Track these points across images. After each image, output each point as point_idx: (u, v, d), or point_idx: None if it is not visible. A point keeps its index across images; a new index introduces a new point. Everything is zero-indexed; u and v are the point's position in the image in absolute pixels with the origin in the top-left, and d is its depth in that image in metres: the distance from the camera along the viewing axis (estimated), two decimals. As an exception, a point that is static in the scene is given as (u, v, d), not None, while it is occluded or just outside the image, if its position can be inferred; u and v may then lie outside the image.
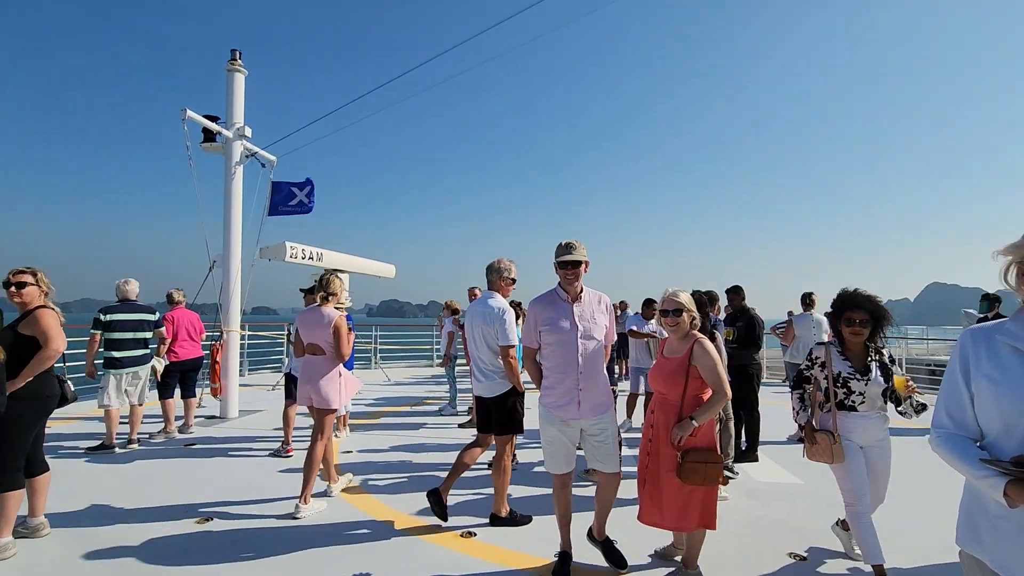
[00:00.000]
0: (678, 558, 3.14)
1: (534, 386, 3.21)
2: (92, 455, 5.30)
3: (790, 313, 12.84)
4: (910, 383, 2.91)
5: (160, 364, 5.95)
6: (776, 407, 7.71)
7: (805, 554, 3.30)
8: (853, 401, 2.97)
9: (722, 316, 5.93)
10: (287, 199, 7.84)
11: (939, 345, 16.77)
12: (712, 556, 3.12)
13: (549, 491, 4.10)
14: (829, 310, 3.21)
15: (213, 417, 7.12)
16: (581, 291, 3.03)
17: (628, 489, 3.35)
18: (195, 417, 6.66)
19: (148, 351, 5.81)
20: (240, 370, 11.12)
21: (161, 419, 6.19)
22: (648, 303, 7.01)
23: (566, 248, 2.98)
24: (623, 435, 6.24)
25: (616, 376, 9.65)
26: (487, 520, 3.74)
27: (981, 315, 7.59)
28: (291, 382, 5.50)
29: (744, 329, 5.56)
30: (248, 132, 7.39)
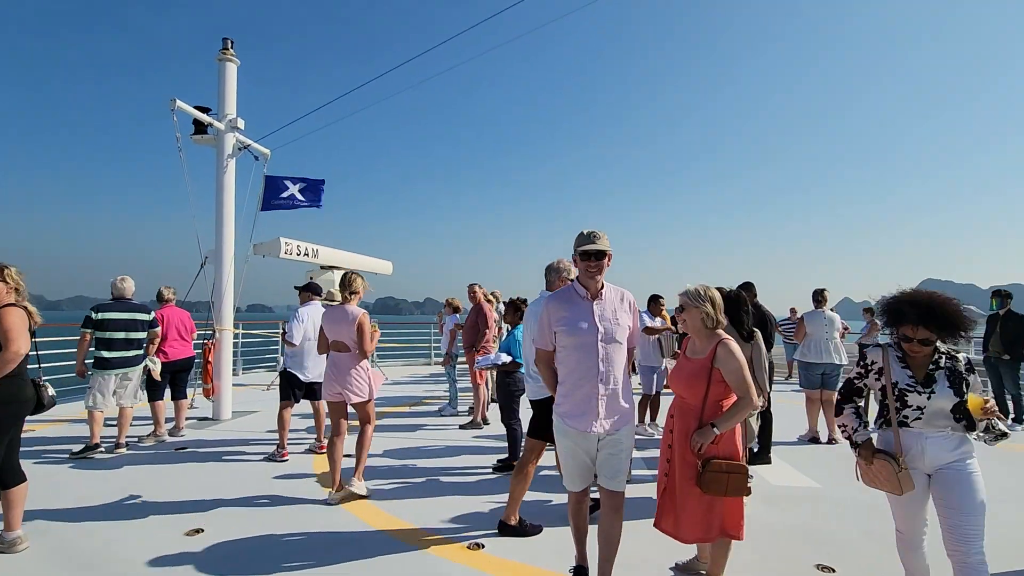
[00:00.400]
0: (703, 572, 2.94)
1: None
2: (77, 460, 5.06)
3: (792, 311, 12.70)
4: (989, 403, 2.35)
5: (155, 365, 5.67)
6: (783, 406, 7.54)
7: (834, 566, 3.10)
8: (906, 416, 2.42)
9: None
10: (280, 192, 7.61)
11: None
12: (734, 570, 2.93)
13: (561, 499, 3.91)
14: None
15: (206, 419, 6.88)
16: (602, 287, 2.70)
17: (642, 491, 3.15)
18: (187, 419, 6.43)
19: (141, 352, 5.56)
20: (234, 369, 10.88)
21: (151, 422, 5.96)
22: (655, 299, 6.83)
23: (588, 237, 2.65)
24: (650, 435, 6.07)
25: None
26: (495, 530, 3.54)
27: (992, 312, 7.46)
28: (286, 382, 5.28)
29: (756, 326, 5.38)
30: (241, 124, 7.15)
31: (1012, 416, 7.00)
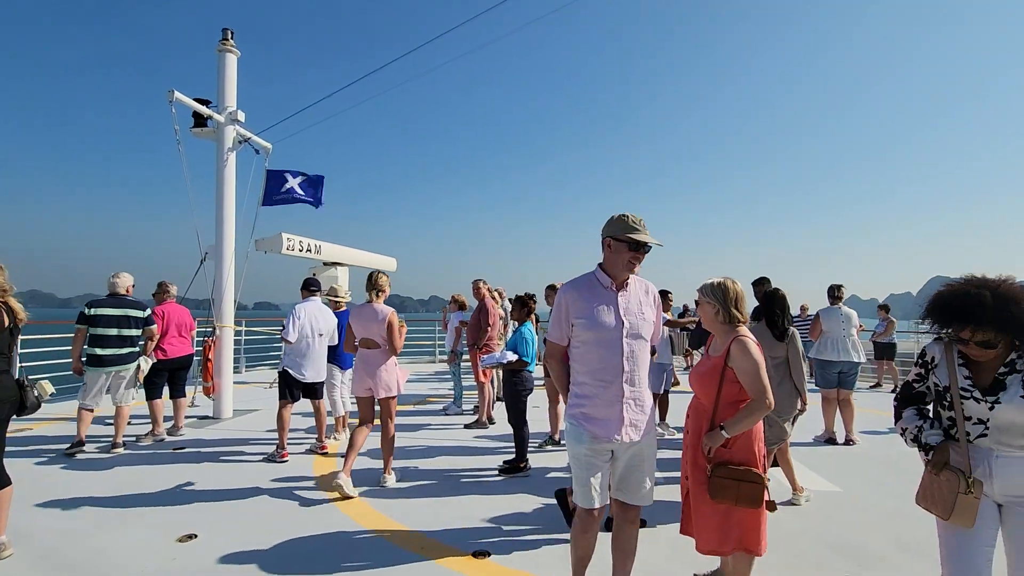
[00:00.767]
0: (725, 585, 2.76)
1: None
2: (70, 460, 4.93)
3: (803, 308, 12.49)
4: None
5: (146, 364, 5.53)
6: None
7: (866, 579, 2.91)
8: (967, 432, 1.93)
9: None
10: (282, 188, 7.46)
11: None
12: (760, 582, 2.74)
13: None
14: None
15: (206, 417, 6.75)
16: (627, 277, 2.42)
17: (656, 494, 2.91)
18: (187, 418, 6.30)
19: (135, 349, 5.41)
20: (237, 367, 10.76)
21: (149, 420, 5.82)
22: (663, 295, 6.65)
23: (638, 225, 2.31)
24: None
25: None
26: (502, 536, 3.37)
27: None
28: (286, 381, 5.13)
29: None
30: (241, 116, 6.99)
31: None
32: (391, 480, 4.36)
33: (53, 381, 3.54)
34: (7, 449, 3.15)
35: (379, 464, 4.57)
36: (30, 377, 3.18)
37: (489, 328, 6.52)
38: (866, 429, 6.39)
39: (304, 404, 5.45)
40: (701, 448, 2.46)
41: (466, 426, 6.51)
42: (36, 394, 3.09)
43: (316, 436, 5.43)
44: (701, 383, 2.55)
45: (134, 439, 5.59)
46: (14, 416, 3.08)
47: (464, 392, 7.69)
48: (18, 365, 6.37)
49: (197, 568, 2.98)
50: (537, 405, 5.83)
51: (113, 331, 5.21)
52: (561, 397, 2.52)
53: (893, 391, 9.92)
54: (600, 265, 2.45)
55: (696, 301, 2.64)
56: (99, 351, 5.16)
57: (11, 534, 3.15)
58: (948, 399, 1.99)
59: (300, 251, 8.62)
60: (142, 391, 5.73)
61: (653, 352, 2.72)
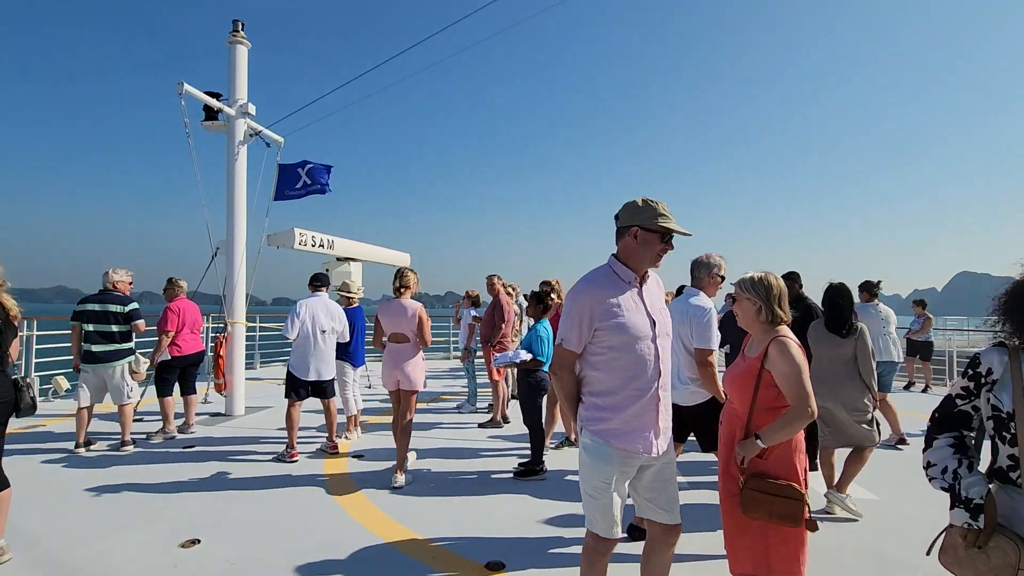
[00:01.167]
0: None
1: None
2: (76, 459, 4.86)
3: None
4: None
5: (140, 364, 5.33)
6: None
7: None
8: (1015, 472, 1.48)
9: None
10: (295, 182, 7.35)
11: (981, 336, 15.76)
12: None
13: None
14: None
15: (218, 414, 6.68)
16: (646, 271, 2.16)
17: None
18: (199, 415, 6.22)
19: (122, 346, 5.18)
20: (251, 363, 10.74)
21: (160, 418, 5.75)
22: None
23: (665, 212, 2.04)
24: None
25: None
26: (517, 544, 3.19)
27: None
28: (291, 380, 4.99)
29: (801, 320, 4.92)
30: (252, 109, 6.88)
31: None
32: (401, 479, 4.26)
33: (71, 378, 3.44)
34: (6, 447, 3.05)
35: (390, 464, 4.43)
36: (51, 373, 3.08)
37: (503, 325, 6.34)
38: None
39: (316, 402, 5.32)
40: (734, 456, 2.26)
41: (480, 425, 6.35)
42: (32, 395, 2.98)
43: (327, 435, 5.31)
44: (735, 387, 2.34)
45: (145, 436, 5.53)
46: (13, 416, 2.99)
47: (479, 389, 7.53)
48: (14, 364, 6.39)
49: (199, 574, 2.85)
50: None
51: (91, 327, 5.08)
52: (566, 411, 2.21)
53: (924, 390, 9.52)
54: (616, 256, 2.13)
55: (731, 296, 2.43)
56: (89, 347, 5.06)
57: (11, 537, 3.06)
58: (1012, 430, 1.45)
59: (313, 246, 8.51)
60: (152, 389, 5.64)
61: None
